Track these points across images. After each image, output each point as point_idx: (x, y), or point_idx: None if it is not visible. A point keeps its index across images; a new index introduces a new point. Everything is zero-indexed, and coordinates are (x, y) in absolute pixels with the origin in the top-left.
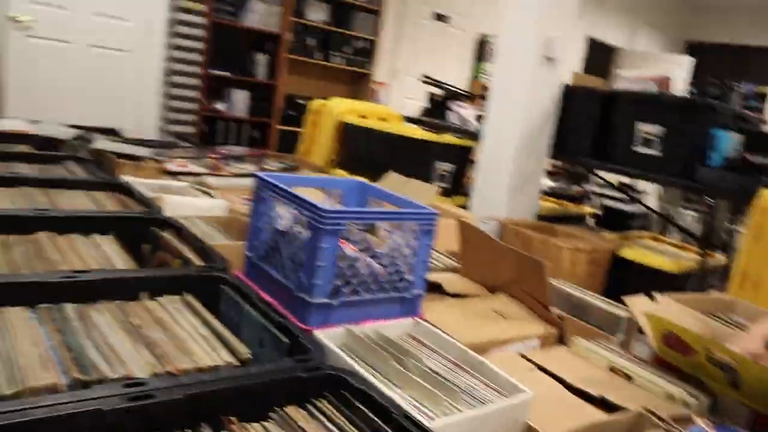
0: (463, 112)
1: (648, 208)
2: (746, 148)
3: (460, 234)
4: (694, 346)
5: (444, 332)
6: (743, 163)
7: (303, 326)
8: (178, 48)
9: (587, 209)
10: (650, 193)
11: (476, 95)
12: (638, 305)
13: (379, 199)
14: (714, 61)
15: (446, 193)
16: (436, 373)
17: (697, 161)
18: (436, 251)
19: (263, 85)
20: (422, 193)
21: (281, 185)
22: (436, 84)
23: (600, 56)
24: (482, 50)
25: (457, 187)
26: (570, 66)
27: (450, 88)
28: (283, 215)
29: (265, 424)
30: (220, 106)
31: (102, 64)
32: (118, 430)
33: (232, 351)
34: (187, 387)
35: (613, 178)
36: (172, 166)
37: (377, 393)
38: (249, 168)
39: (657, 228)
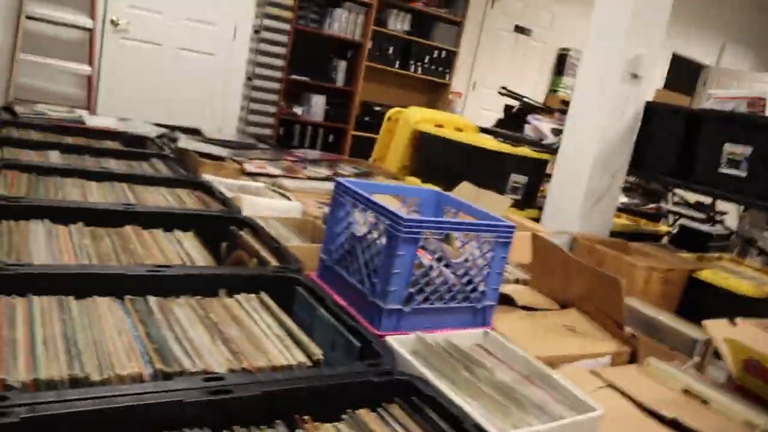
0: (539, 125)
1: (729, 229)
2: None
3: (533, 247)
4: None
5: (514, 345)
6: None
7: (375, 331)
8: (262, 53)
9: (663, 227)
10: (730, 213)
11: (554, 109)
12: (717, 329)
13: (455, 208)
14: None
15: (519, 205)
16: (507, 385)
17: None
18: (508, 264)
19: (341, 91)
20: (495, 205)
21: (361, 191)
22: (514, 96)
23: (684, 72)
24: (562, 64)
25: (530, 200)
26: (653, 82)
27: (527, 100)
28: (361, 221)
29: (337, 425)
30: (297, 110)
31: (189, 66)
32: (196, 423)
33: (305, 351)
34: (263, 384)
35: (691, 197)
36: (250, 167)
37: (447, 401)
38: (324, 172)
39: (737, 251)
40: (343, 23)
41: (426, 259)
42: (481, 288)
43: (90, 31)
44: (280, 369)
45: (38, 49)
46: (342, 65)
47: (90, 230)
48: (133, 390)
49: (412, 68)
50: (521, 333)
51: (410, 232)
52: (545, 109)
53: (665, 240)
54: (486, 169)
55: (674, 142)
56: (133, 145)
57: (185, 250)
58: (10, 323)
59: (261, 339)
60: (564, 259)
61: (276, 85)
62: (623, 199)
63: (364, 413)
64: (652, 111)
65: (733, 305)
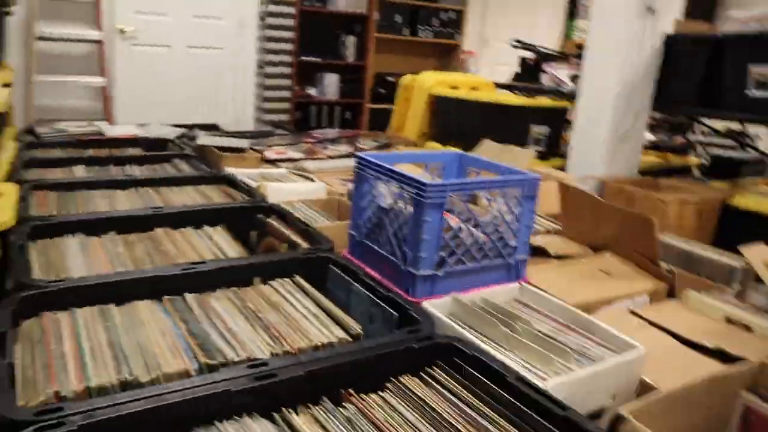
0: (556, 73)
1: (762, 153)
2: None
3: (561, 196)
4: None
5: (551, 294)
6: None
7: (411, 299)
8: (270, 39)
9: (693, 160)
10: (762, 137)
11: (570, 55)
12: (756, 254)
13: (478, 168)
14: None
15: (542, 156)
16: (546, 335)
17: None
18: (537, 215)
19: (352, 67)
20: (519, 159)
21: (382, 163)
22: (528, 47)
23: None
24: (574, 6)
25: (554, 150)
26: (671, 13)
27: (542, 50)
28: (385, 192)
29: (382, 394)
30: (311, 91)
31: (200, 63)
32: (245, 409)
33: (344, 328)
34: (306, 365)
35: (720, 126)
36: (270, 154)
37: (489, 358)
38: (344, 149)
39: None
40: None
41: (453, 221)
42: (512, 243)
43: (99, 42)
44: (322, 348)
45: (51, 67)
46: (351, 40)
47: (122, 238)
48: (182, 386)
49: (422, 33)
50: (557, 282)
51: (435, 197)
52: (561, 56)
53: (696, 172)
54: (506, 125)
55: (697, 71)
56: (154, 149)
57: (216, 245)
58: (57, 337)
59: (300, 321)
60: (593, 204)
61: (287, 70)
62: (649, 136)
63: (407, 380)
64: (672, 43)
65: None
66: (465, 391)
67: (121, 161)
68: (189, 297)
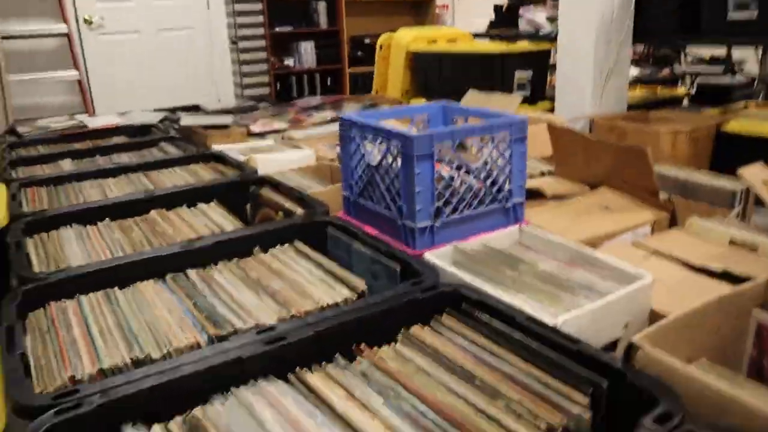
0: (533, 16)
1: (750, 76)
2: None
3: (551, 137)
4: None
5: (552, 234)
6: None
7: (411, 251)
8: (240, 13)
9: (681, 90)
10: (749, 60)
11: None
12: (754, 174)
13: (464, 116)
14: None
15: (530, 101)
16: (552, 274)
17: None
18: (530, 158)
19: (327, 33)
20: (505, 105)
21: (365, 121)
22: None
23: None
24: None
25: (540, 94)
26: None
27: None
28: (373, 150)
29: (394, 346)
30: (288, 61)
31: (172, 45)
32: (258, 374)
33: (348, 286)
34: (314, 325)
35: (706, 53)
36: (256, 127)
37: (496, 301)
38: (329, 115)
39: (762, 96)
40: None
41: (445, 171)
42: (507, 187)
43: (66, 35)
44: (328, 308)
45: (22, 66)
46: (322, 6)
47: (117, 224)
48: (194, 357)
49: None
50: (557, 222)
51: (423, 148)
52: None
53: (685, 102)
54: (488, 74)
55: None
56: (139, 135)
57: (212, 221)
58: (66, 325)
59: (304, 284)
60: (584, 142)
61: (262, 42)
62: (635, 71)
63: (417, 330)
64: None
65: (766, 150)
66: (476, 335)
67: (107, 151)
68: (191, 273)
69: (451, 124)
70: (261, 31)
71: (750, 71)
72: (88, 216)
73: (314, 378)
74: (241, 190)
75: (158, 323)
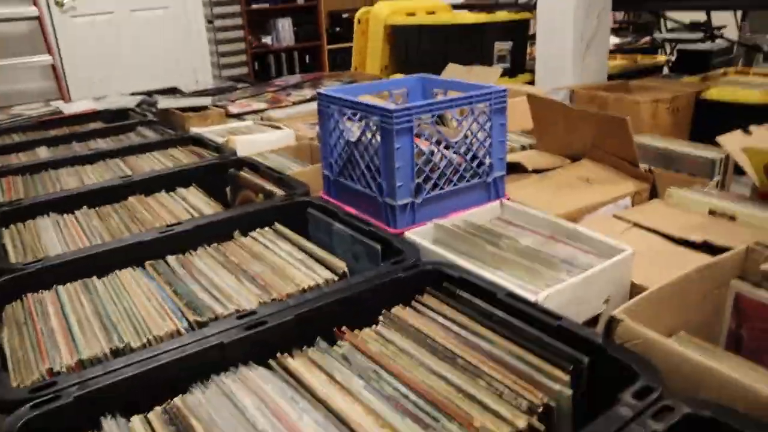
0: None
1: (730, 41)
2: None
3: (531, 108)
4: None
5: (532, 209)
6: None
7: (392, 230)
8: None
9: (661, 58)
10: (729, 25)
11: None
12: (733, 142)
13: (442, 89)
14: None
15: (510, 73)
16: (533, 248)
17: None
18: (510, 132)
19: (304, 8)
20: (486, 78)
21: (345, 96)
22: None
23: None
24: None
25: (521, 66)
26: None
27: None
28: (352, 126)
29: (376, 327)
30: (266, 39)
31: (147, 26)
32: (240, 359)
33: (329, 268)
34: (295, 308)
35: (686, 18)
36: (234, 108)
37: (477, 278)
38: (308, 93)
39: (741, 62)
40: None
41: (425, 145)
42: (487, 161)
43: (37, 18)
44: (309, 290)
45: None
46: None
47: (95, 211)
48: (173, 345)
49: None
50: (537, 195)
51: (402, 122)
52: None
53: (666, 70)
54: (467, 46)
55: None
56: (116, 121)
57: (191, 205)
58: (43, 316)
59: (284, 267)
60: (564, 113)
61: (238, 21)
62: (615, 40)
63: (398, 310)
64: None
65: (747, 117)
66: (457, 314)
67: (84, 137)
68: (171, 259)
69: (430, 97)
70: (237, 8)
71: (730, 36)
72: (66, 204)
73: (295, 363)
74: (220, 173)
75: (137, 311)
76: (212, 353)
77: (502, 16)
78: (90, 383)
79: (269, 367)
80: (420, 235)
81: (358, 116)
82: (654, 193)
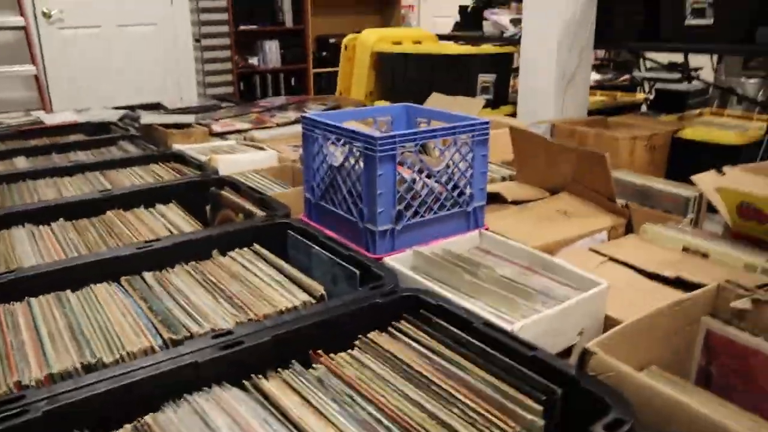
0: (498, 19)
1: (706, 83)
2: None
3: (512, 140)
4: None
5: (511, 239)
6: None
7: (371, 255)
8: (204, 10)
9: (640, 96)
10: (705, 67)
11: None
12: (707, 181)
13: (426, 118)
14: None
15: (492, 105)
16: (510, 279)
17: (758, 22)
18: (491, 162)
19: (292, 32)
20: (468, 109)
21: (330, 121)
22: None
23: None
24: None
25: (503, 98)
26: None
27: None
28: (335, 151)
29: (351, 352)
30: (253, 60)
31: (134, 42)
32: (214, 379)
33: (307, 291)
34: (272, 329)
35: (664, 59)
36: (218, 127)
37: (454, 306)
38: (292, 116)
39: (716, 103)
40: None
41: (407, 173)
42: (468, 191)
43: (23, 29)
44: (287, 312)
45: None
46: (287, 4)
47: (72, 224)
48: (146, 362)
49: None
50: (516, 227)
51: (386, 150)
52: (502, 1)
53: (644, 108)
54: (452, 76)
55: (637, 3)
56: (97, 133)
57: (170, 222)
58: (14, 328)
59: (262, 288)
60: (545, 146)
61: (226, 41)
62: (596, 76)
63: (375, 335)
64: None
65: (721, 157)
66: (433, 341)
67: (64, 148)
68: (147, 275)
69: (414, 126)
70: (225, 28)
71: (706, 78)
72: (42, 215)
73: (270, 385)
74: (200, 191)
75: (111, 326)
76: (186, 372)
77: (486, 48)
78: (60, 398)
79: (243, 388)
80: (399, 262)
81: (342, 141)
82: (630, 228)
